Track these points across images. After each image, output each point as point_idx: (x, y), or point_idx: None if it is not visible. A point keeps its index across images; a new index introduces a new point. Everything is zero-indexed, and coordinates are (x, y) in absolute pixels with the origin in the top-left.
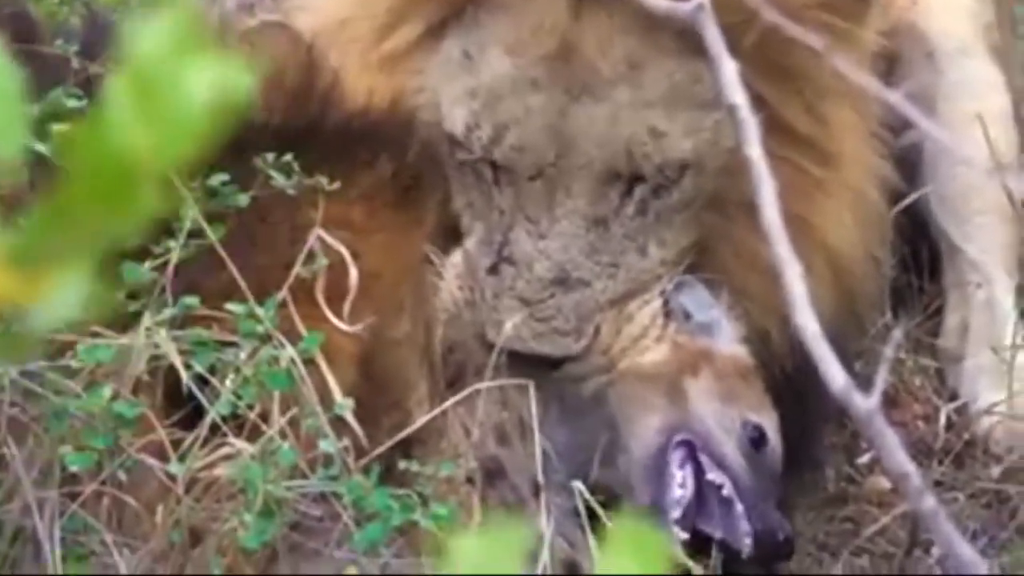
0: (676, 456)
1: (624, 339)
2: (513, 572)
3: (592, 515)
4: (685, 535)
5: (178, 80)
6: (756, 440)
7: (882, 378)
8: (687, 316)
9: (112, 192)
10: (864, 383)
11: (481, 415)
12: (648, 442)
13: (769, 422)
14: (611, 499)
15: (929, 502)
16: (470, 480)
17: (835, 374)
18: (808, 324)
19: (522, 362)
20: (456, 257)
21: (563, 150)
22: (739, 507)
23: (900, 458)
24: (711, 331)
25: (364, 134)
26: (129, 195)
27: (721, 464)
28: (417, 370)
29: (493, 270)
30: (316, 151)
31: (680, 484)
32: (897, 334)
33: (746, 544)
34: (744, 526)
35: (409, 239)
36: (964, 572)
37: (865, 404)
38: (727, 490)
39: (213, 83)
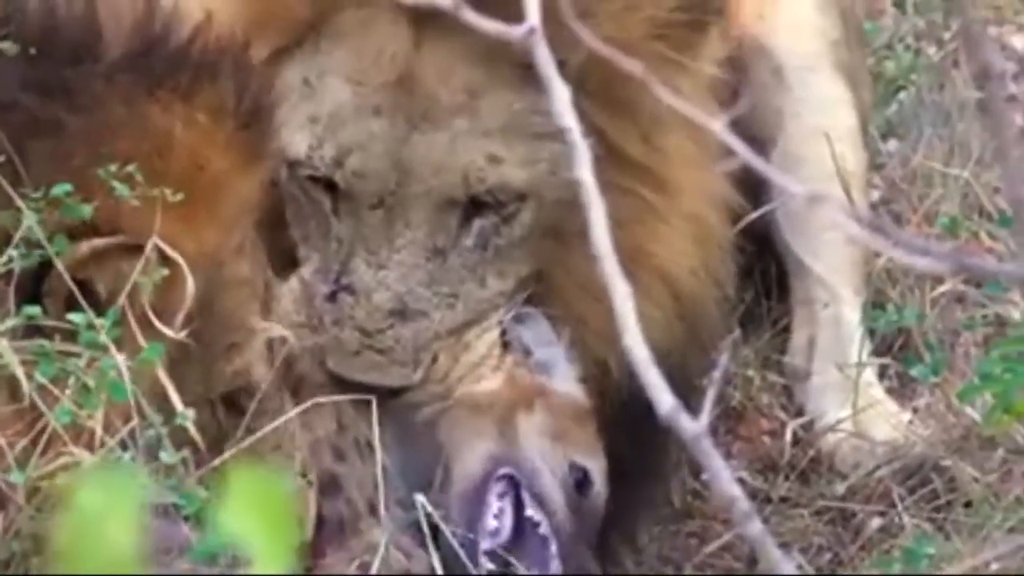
0: (497, 487)
1: (461, 368)
2: (129, 522)
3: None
4: (491, 566)
5: None
6: (581, 483)
7: (710, 402)
8: (527, 352)
9: None
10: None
11: (319, 431)
12: (470, 470)
13: (597, 466)
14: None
15: (755, 526)
16: (304, 476)
17: (662, 397)
18: (635, 346)
19: (360, 388)
20: (292, 283)
21: (403, 178)
22: (553, 547)
23: (726, 481)
24: (549, 369)
25: (205, 52)
26: None
27: (541, 502)
28: (257, 320)
29: (331, 298)
30: (159, 63)
31: (495, 515)
32: (723, 360)
33: None
34: (556, 566)
35: (251, 168)
36: None
37: (691, 427)
38: (544, 528)
39: None
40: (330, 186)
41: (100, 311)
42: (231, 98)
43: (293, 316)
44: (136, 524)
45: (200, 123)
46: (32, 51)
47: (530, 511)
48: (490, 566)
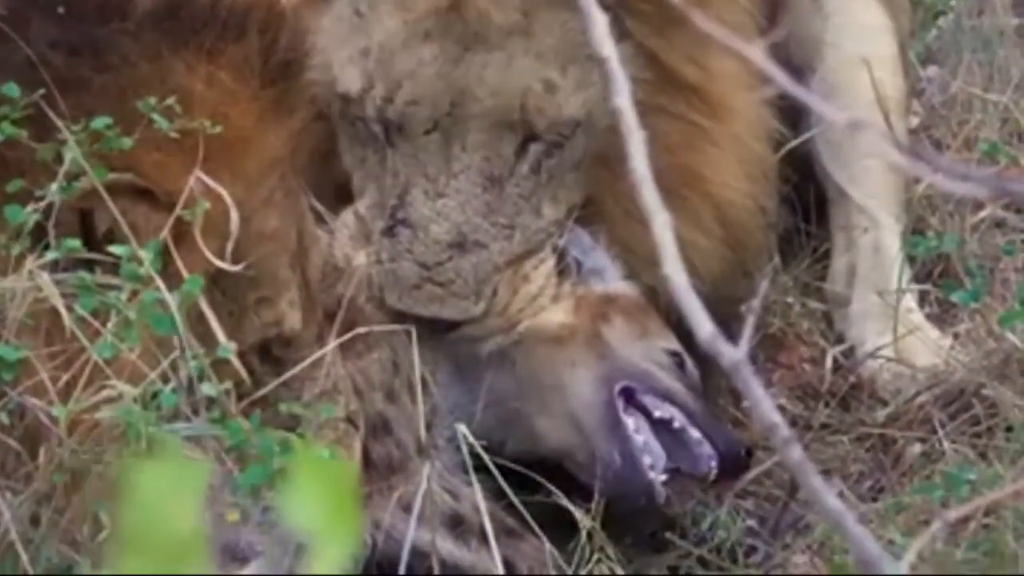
0: (619, 406)
1: (521, 299)
2: (190, 503)
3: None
4: (663, 477)
5: None
6: (680, 364)
7: (750, 328)
8: (578, 264)
9: None
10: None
11: (371, 373)
12: (591, 402)
13: (678, 345)
14: (538, 465)
15: (796, 452)
16: (350, 420)
17: (702, 324)
18: (675, 274)
19: (416, 324)
20: (347, 217)
21: (458, 99)
22: (695, 434)
23: (767, 408)
24: (601, 274)
25: (232, 11)
26: None
27: (666, 398)
28: (288, 272)
29: (389, 233)
30: (185, 22)
31: (635, 431)
32: (763, 287)
33: (712, 467)
34: (706, 450)
35: (279, 123)
36: (831, 521)
37: (731, 354)
38: (678, 422)
39: None
40: (383, 119)
41: (99, 246)
42: (257, 56)
43: (350, 252)
44: (199, 510)
45: (223, 81)
46: (60, 10)
47: (657, 412)
48: (661, 478)
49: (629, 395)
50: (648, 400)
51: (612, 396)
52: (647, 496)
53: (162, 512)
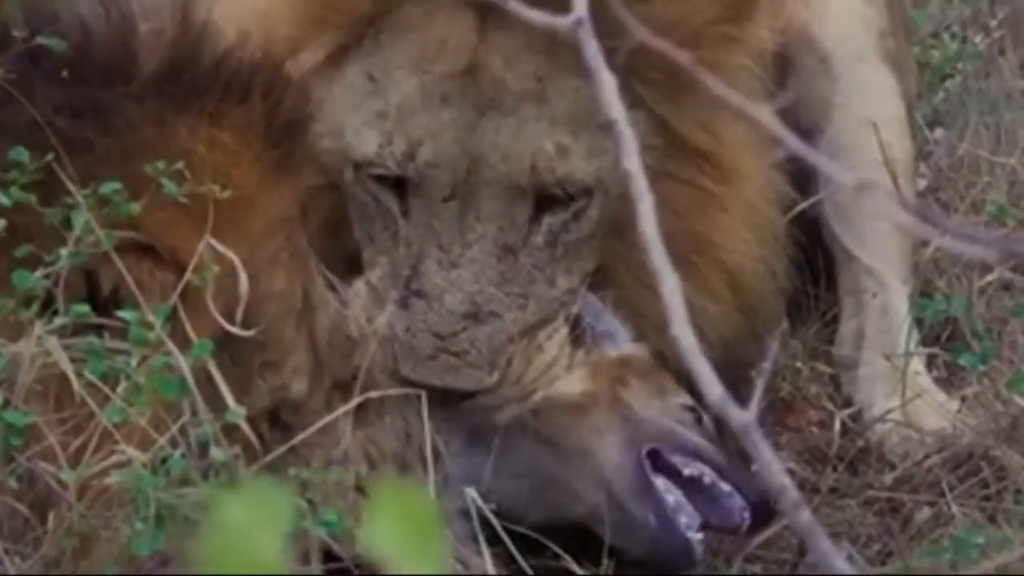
0: (647, 467)
1: (536, 369)
2: (276, 535)
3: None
4: (699, 535)
5: None
6: (699, 419)
7: (759, 391)
8: (592, 328)
9: None
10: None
11: (383, 443)
12: (620, 466)
13: (692, 400)
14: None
15: (805, 516)
16: (360, 489)
17: (711, 386)
18: (683, 336)
19: (429, 393)
20: (359, 287)
21: (473, 166)
22: (724, 487)
23: (776, 471)
24: (613, 337)
25: (236, 74)
26: None
27: (693, 454)
28: (294, 333)
29: (403, 303)
30: (189, 85)
31: (666, 491)
32: (772, 350)
33: (745, 518)
34: (738, 502)
35: (284, 183)
36: None
37: (740, 417)
38: (707, 477)
39: None
40: (399, 186)
41: (105, 305)
42: (260, 118)
43: (363, 323)
44: (282, 540)
45: (225, 143)
46: (64, 73)
47: (687, 470)
48: (699, 536)
49: (655, 456)
50: (676, 459)
51: (640, 459)
52: (685, 555)
53: (246, 543)
